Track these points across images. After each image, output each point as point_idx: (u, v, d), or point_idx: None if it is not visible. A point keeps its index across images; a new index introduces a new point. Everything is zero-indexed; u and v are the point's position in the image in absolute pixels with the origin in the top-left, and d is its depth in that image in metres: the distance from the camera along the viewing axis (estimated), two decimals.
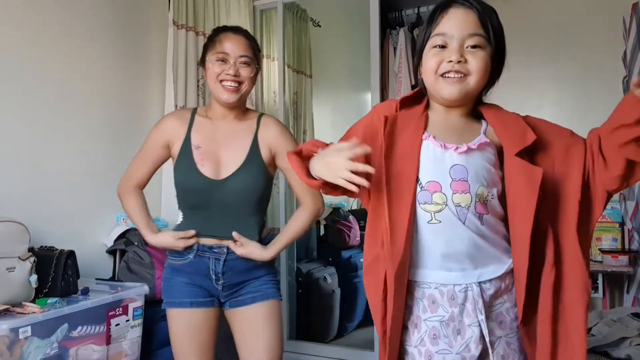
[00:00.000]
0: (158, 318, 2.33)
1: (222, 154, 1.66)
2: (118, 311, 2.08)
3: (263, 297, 1.67)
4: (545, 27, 3.12)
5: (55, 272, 1.99)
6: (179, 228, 1.69)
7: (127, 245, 2.55)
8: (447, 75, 1.05)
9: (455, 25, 1.04)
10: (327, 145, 1.08)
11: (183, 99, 2.96)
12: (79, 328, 1.92)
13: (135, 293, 2.18)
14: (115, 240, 2.61)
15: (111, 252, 2.64)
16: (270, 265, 1.72)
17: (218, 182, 1.62)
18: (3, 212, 2.02)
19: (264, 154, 1.67)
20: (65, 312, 1.87)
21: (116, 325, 2.07)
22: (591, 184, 1.04)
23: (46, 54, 2.41)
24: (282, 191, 3.12)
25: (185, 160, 1.66)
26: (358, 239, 3.84)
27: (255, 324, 1.66)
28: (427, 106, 1.15)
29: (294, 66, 3.63)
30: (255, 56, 1.69)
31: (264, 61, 3.34)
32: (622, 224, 2.73)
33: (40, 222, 2.25)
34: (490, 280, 1.06)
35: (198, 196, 1.64)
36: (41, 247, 2.11)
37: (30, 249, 1.96)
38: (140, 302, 2.19)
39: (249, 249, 1.64)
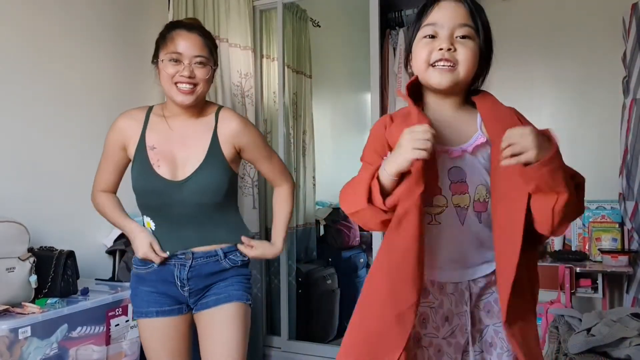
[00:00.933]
0: None
1: (179, 154, 1.58)
2: (118, 311, 2.08)
3: (226, 299, 1.58)
4: (545, 27, 3.11)
5: (55, 272, 1.99)
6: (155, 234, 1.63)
7: (126, 245, 2.55)
8: (437, 64, 1.05)
9: (446, 15, 1.06)
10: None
11: None
12: (79, 328, 1.92)
13: None
14: (115, 241, 2.61)
15: (111, 252, 2.64)
16: (240, 267, 1.64)
17: (177, 183, 1.55)
18: (3, 212, 2.02)
19: (226, 151, 1.59)
20: (65, 312, 1.87)
21: (116, 325, 2.07)
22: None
23: (46, 54, 2.41)
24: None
25: (140, 161, 1.58)
26: (358, 239, 3.84)
27: (215, 327, 1.57)
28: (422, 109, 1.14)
29: (293, 66, 3.63)
30: (211, 55, 1.60)
31: (264, 61, 3.34)
32: (621, 224, 2.73)
33: (40, 222, 2.25)
34: (482, 277, 1.08)
35: (157, 199, 1.57)
36: (41, 247, 2.11)
37: (30, 249, 1.96)
38: None
39: (260, 249, 1.64)
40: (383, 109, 3.13)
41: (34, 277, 1.90)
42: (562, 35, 3.07)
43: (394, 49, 3.33)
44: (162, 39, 1.58)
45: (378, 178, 1.01)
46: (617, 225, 2.76)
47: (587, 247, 2.81)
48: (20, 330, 1.70)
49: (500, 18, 3.28)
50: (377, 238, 3.02)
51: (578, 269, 2.57)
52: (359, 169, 1.14)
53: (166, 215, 1.59)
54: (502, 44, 3.58)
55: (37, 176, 2.35)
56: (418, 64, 1.08)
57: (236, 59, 3.06)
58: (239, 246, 1.63)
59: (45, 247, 2.11)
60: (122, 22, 2.82)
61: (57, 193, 2.43)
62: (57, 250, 2.06)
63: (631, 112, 2.60)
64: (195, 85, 1.55)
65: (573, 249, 2.90)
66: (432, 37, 1.06)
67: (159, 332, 1.59)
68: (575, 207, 0.98)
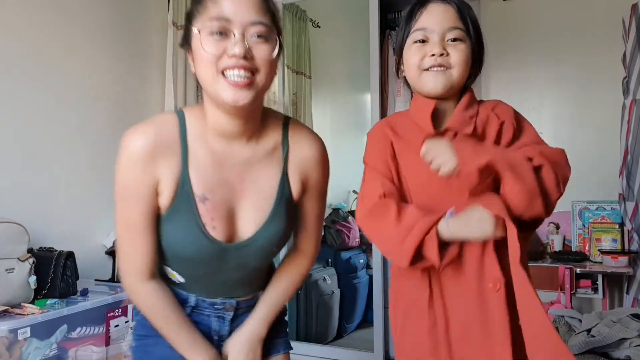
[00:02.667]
0: None
1: (239, 204, 1.04)
2: (117, 312, 2.08)
3: (269, 352, 1.18)
4: (545, 27, 3.11)
5: (54, 273, 1.99)
6: (179, 288, 1.11)
7: None
8: (430, 69, 1.05)
9: (435, 19, 1.05)
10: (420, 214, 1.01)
11: (183, 100, 2.97)
12: (78, 329, 1.92)
13: None
14: (115, 241, 2.61)
15: (110, 253, 2.63)
16: (280, 313, 1.21)
17: (235, 246, 1.04)
18: (3, 212, 2.02)
19: (295, 188, 1.09)
20: (64, 313, 1.87)
21: (115, 326, 2.07)
22: None
23: (46, 55, 2.41)
24: None
25: (185, 218, 1.01)
26: (357, 239, 3.83)
27: None
28: None
29: (293, 67, 3.63)
30: (274, 23, 0.98)
31: None
32: (621, 225, 2.73)
33: (40, 223, 2.24)
34: None
35: (205, 266, 1.06)
36: (40, 248, 2.11)
37: (30, 250, 1.96)
38: None
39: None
40: (383, 110, 3.12)
41: (33, 278, 1.89)
42: (562, 36, 3.07)
43: (394, 50, 3.34)
44: (199, 4, 0.97)
45: (437, 233, 0.98)
46: (617, 226, 2.76)
47: (587, 248, 2.81)
48: (19, 331, 1.70)
49: (500, 18, 3.29)
50: None
51: (578, 270, 2.57)
52: (366, 175, 1.11)
53: (208, 279, 1.10)
54: (502, 44, 3.60)
55: (36, 177, 2.35)
56: (410, 70, 1.08)
57: None
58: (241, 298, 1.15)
59: (45, 247, 2.11)
60: (121, 23, 2.82)
61: (56, 194, 2.43)
62: (56, 250, 2.06)
63: (631, 112, 2.60)
64: (253, 72, 0.95)
65: (573, 249, 2.90)
66: (423, 41, 1.06)
67: None
68: (535, 191, 0.94)
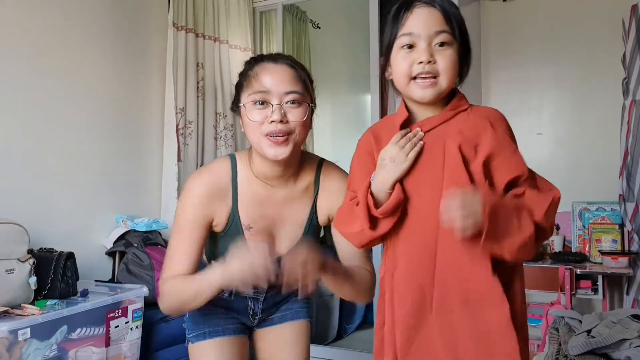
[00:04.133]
0: (157, 320, 2.33)
1: (278, 230, 1.33)
2: (117, 313, 2.08)
3: (292, 317, 1.47)
4: (545, 27, 3.12)
5: (54, 273, 1.99)
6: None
7: (126, 247, 2.55)
8: (419, 77, 1.06)
9: (421, 24, 1.05)
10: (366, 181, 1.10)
11: (183, 100, 2.97)
12: (79, 330, 1.92)
13: (135, 295, 2.18)
14: (115, 242, 2.61)
15: (110, 253, 2.63)
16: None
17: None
18: (2, 213, 2.02)
19: (322, 221, 1.37)
20: (64, 313, 1.87)
21: (115, 327, 2.07)
22: None
23: (46, 56, 2.41)
24: None
25: (236, 238, 1.29)
26: None
27: (280, 345, 1.45)
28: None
29: None
30: (307, 91, 1.25)
31: None
32: (621, 226, 2.73)
33: (40, 223, 2.25)
34: None
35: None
36: (40, 248, 2.11)
37: (30, 251, 1.96)
38: (139, 304, 2.19)
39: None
40: (383, 110, 3.12)
41: (33, 279, 1.89)
42: (562, 36, 3.07)
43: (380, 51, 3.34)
44: (244, 78, 1.26)
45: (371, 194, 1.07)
46: (617, 227, 2.76)
47: (587, 249, 2.81)
48: (19, 331, 1.70)
49: (501, 18, 3.29)
50: None
51: (578, 271, 2.57)
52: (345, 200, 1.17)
53: None
54: (502, 44, 3.61)
55: (37, 177, 2.35)
56: (399, 77, 1.08)
57: (236, 61, 3.07)
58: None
59: (45, 248, 2.11)
60: (122, 24, 2.82)
61: (56, 194, 2.43)
62: (56, 251, 2.06)
63: (631, 113, 2.60)
64: (289, 132, 1.21)
65: (573, 250, 2.90)
66: (410, 46, 1.06)
67: (228, 350, 1.39)
68: (530, 245, 0.97)
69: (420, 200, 1.06)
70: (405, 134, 1.07)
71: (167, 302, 1.26)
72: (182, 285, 1.24)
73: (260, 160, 1.27)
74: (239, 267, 1.13)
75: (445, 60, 1.05)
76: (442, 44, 1.05)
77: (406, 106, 1.14)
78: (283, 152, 1.20)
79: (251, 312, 1.42)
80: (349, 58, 4.33)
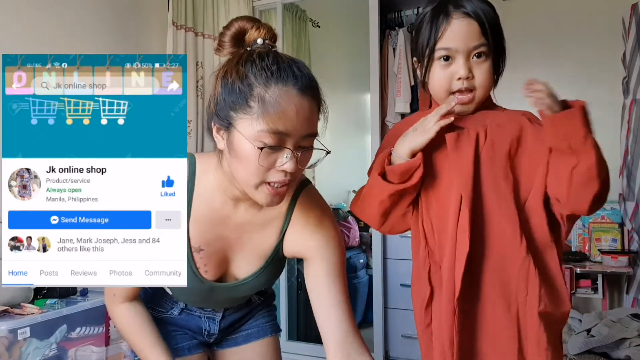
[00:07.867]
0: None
1: (234, 254, 1.13)
2: None
3: (258, 335, 1.33)
4: (545, 27, 3.12)
5: None
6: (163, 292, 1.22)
7: None
8: (457, 92, 1.07)
9: (459, 38, 1.05)
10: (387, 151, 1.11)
11: None
12: (78, 329, 1.92)
13: None
14: None
15: None
16: (269, 299, 1.38)
17: (224, 286, 1.16)
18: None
19: (289, 254, 1.18)
20: (64, 313, 1.87)
21: (115, 326, 2.07)
22: None
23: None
24: None
25: None
26: (357, 239, 3.83)
27: None
28: None
29: None
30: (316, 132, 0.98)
31: None
32: (621, 225, 2.73)
33: None
34: None
35: (197, 295, 1.18)
36: None
37: None
38: None
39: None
40: (383, 110, 3.12)
41: None
42: (562, 36, 3.07)
43: (394, 50, 3.33)
44: (260, 104, 0.90)
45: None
46: (617, 226, 2.75)
47: (587, 248, 2.81)
48: (19, 331, 1.70)
49: (500, 18, 3.28)
50: (376, 239, 3.02)
51: (578, 270, 2.57)
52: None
53: (200, 302, 1.24)
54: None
55: None
56: (437, 89, 1.09)
57: None
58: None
59: None
60: (121, 22, 2.82)
61: None
62: None
63: (631, 112, 2.60)
64: (292, 180, 0.97)
65: (573, 249, 2.89)
66: (447, 57, 1.06)
67: None
68: (597, 181, 1.00)
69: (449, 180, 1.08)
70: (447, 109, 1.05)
71: (116, 324, 1.22)
72: (127, 327, 1.18)
73: (232, 185, 1.02)
74: None
75: (482, 74, 1.06)
76: (479, 55, 1.06)
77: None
78: (279, 200, 0.97)
79: (206, 333, 1.27)
80: (348, 57, 4.33)
